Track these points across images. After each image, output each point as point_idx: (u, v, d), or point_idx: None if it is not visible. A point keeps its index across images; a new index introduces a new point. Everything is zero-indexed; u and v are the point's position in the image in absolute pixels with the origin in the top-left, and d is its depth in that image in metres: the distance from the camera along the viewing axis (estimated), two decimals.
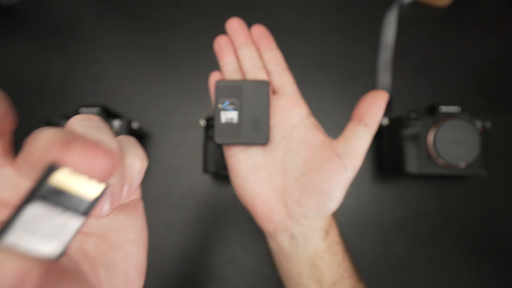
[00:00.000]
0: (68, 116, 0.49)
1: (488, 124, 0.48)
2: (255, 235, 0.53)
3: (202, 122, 0.49)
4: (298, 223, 0.31)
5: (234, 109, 0.31)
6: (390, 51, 0.57)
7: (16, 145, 0.60)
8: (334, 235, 0.33)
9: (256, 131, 0.30)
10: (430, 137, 0.47)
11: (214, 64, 0.57)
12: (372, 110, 0.29)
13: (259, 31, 0.34)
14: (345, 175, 0.30)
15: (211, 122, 0.48)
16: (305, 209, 0.31)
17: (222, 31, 0.58)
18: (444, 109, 0.47)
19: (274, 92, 0.34)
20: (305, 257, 0.32)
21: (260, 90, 0.31)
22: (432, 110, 0.49)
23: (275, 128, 0.33)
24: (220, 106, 0.31)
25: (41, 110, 0.56)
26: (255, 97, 0.30)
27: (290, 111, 0.33)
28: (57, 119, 0.50)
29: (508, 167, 0.54)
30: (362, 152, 0.30)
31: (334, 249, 0.32)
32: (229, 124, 0.31)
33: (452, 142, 0.46)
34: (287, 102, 0.33)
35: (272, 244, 0.34)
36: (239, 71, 0.34)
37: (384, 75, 0.56)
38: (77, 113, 0.49)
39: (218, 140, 0.30)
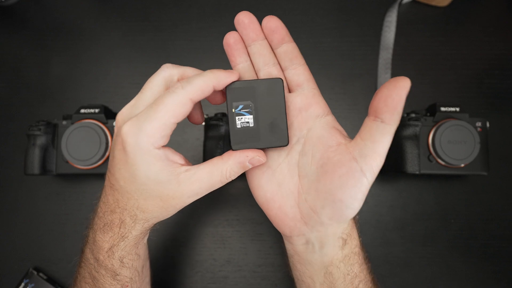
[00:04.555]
0: (68, 116, 0.49)
1: (488, 124, 0.48)
2: (255, 235, 0.53)
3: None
4: (314, 229, 0.30)
5: (249, 113, 0.29)
6: (390, 51, 0.57)
7: (16, 145, 0.60)
8: (353, 245, 0.31)
9: (275, 134, 0.29)
10: (430, 137, 0.47)
11: (214, 64, 0.57)
12: (389, 103, 0.25)
13: (272, 23, 0.31)
14: (363, 180, 0.27)
15: (211, 122, 0.48)
16: (320, 216, 0.29)
17: (222, 31, 0.58)
18: (443, 109, 0.48)
19: (290, 90, 0.32)
20: (320, 263, 0.30)
21: (274, 89, 0.29)
22: (432, 110, 0.49)
23: (290, 129, 0.31)
24: (233, 110, 0.29)
25: (41, 110, 0.56)
26: (269, 97, 0.29)
27: (306, 111, 0.31)
28: (57, 119, 0.50)
29: (507, 167, 0.54)
30: (382, 152, 0.26)
31: (352, 259, 0.31)
32: (245, 129, 0.29)
33: (452, 142, 0.46)
34: (302, 100, 0.31)
35: (288, 246, 0.33)
36: (252, 70, 0.32)
37: (384, 75, 0.56)
38: (77, 113, 0.49)
39: (235, 147, 0.29)
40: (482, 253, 0.52)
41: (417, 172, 0.47)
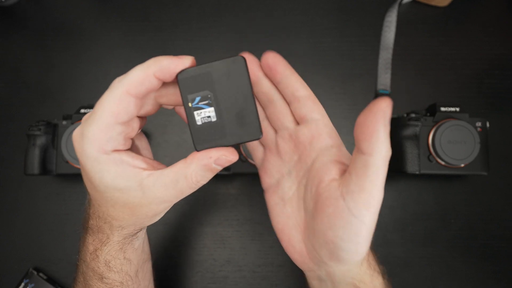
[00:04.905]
0: (68, 116, 0.49)
1: (488, 124, 0.48)
2: (255, 235, 0.53)
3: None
4: (322, 268, 0.28)
5: (209, 105, 0.24)
6: (390, 51, 0.57)
7: (16, 145, 0.60)
8: None
9: (244, 126, 0.24)
10: (430, 137, 0.47)
11: None
12: (365, 131, 0.21)
13: (269, 61, 0.27)
14: (352, 221, 0.24)
15: None
16: (320, 256, 0.27)
17: (222, 31, 0.59)
18: (443, 109, 0.48)
19: (298, 122, 0.28)
20: None
21: (235, 72, 0.24)
22: (432, 110, 0.49)
23: (298, 165, 0.28)
24: (190, 105, 0.24)
25: (41, 110, 0.56)
26: (231, 82, 0.24)
27: (309, 144, 0.28)
28: (57, 119, 0.50)
29: (507, 167, 0.54)
30: (370, 187, 0.23)
31: None
32: (207, 125, 0.24)
33: (452, 142, 0.46)
34: (307, 132, 0.27)
35: (307, 280, 0.32)
36: None
37: (384, 75, 0.56)
38: (77, 113, 0.49)
39: (199, 147, 0.25)
40: (482, 253, 0.52)
41: (417, 172, 0.47)
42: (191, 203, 0.53)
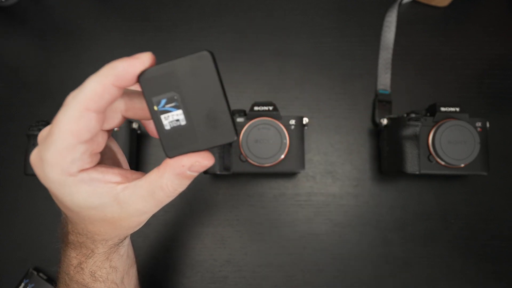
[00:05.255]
0: None
1: (488, 124, 0.48)
2: (255, 235, 0.53)
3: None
4: None
5: (176, 107, 0.22)
6: (390, 51, 0.57)
7: (16, 145, 0.60)
8: None
9: (216, 128, 0.22)
10: (430, 137, 0.47)
11: None
12: None
13: None
14: None
15: None
16: None
17: (222, 31, 0.59)
18: (443, 109, 0.47)
19: None
20: None
21: (201, 68, 0.22)
22: (432, 110, 0.49)
23: None
24: (156, 108, 0.22)
25: (41, 110, 0.56)
26: (198, 80, 0.22)
27: None
28: None
29: (507, 167, 0.54)
30: None
31: None
32: (177, 129, 0.22)
33: (452, 142, 0.46)
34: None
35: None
36: None
37: (384, 75, 0.56)
38: None
39: (170, 153, 0.23)
40: (482, 253, 0.52)
41: (417, 172, 0.47)
42: (191, 203, 0.53)
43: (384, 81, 0.56)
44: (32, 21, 0.60)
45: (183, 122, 0.22)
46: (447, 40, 0.58)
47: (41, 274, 0.50)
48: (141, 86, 0.22)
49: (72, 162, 0.22)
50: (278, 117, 0.48)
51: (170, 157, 0.23)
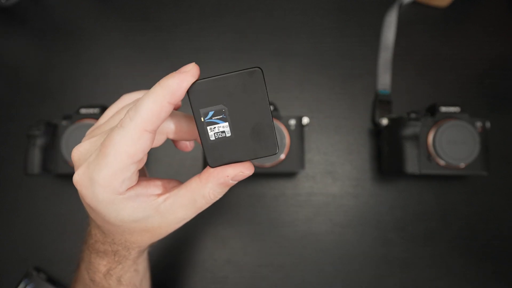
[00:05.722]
0: (68, 116, 0.49)
1: (488, 124, 0.48)
2: (255, 235, 0.53)
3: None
4: None
5: (223, 120, 0.23)
6: (390, 51, 0.57)
7: (16, 145, 0.60)
8: None
9: (260, 141, 0.23)
10: (430, 137, 0.47)
11: (214, 64, 0.57)
12: None
13: None
14: None
15: None
16: None
17: (222, 31, 0.59)
18: (444, 109, 0.47)
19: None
20: None
21: (252, 84, 0.22)
22: (432, 111, 0.49)
23: None
24: (202, 119, 0.23)
25: (41, 110, 0.56)
26: (247, 95, 0.22)
27: None
28: (57, 119, 0.50)
29: (508, 167, 0.54)
30: None
31: None
32: (221, 140, 0.23)
33: (452, 142, 0.46)
34: None
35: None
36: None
37: (384, 75, 0.56)
38: (77, 113, 0.49)
39: (213, 163, 0.24)
40: (482, 253, 0.52)
41: (417, 172, 0.47)
42: None
43: (384, 81, 0.56)
44: (32, 21, 0.60)
45: (228, 134, 0.23)
46: (447, 40, 0.58)
47: (41, 274, 0.50)
48: (190, 98, 0.22)
49: (123, 182, 0.23)
50: (278, 117, 0.48)
51: (212, 167, 0.24)
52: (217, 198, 0.25)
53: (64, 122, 0.49)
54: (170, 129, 0.25)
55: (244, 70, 0.22)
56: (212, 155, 0.24)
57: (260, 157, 0.24)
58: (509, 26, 0.58)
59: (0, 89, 0.58)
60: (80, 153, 0.24)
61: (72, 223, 0.53)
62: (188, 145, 0.30)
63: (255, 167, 0.48)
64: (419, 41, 0.58)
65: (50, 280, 0.51)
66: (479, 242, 0.52)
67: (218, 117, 0.23)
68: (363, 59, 0.57)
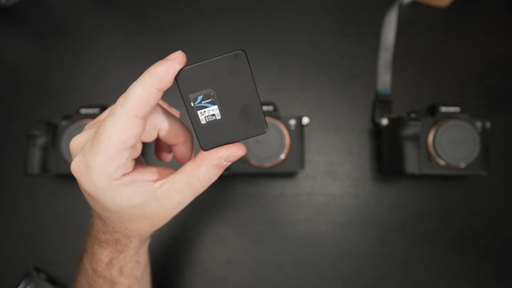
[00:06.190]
0: (68, 116, 0.49)
1: (488, 124, 0.48)
2: (255, 235, 0.53)
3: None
4: None
5: (212, 103, 0.23)
6: (390, 51, 0.57)
7: (16, 145, 0.60)
8: None
9: (249, 121, 0.24)
10: (430, 137, 0.47)
11: None
12: None
13: None
14: None
15: None
16: None
17: (222, 31, 0.59)
18: (444, 109, 0.47)
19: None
20: None
21: (237, 66, 0.23)
22: (432, 111, 0.49)
23: None
24: (192, 104, 0.23)
25: (41, 110, 0.56)
26: (233, 77, 0.23)
27: None
28: (57, 119, 0.50)
29: (508, 167, 0.54)
30: None
31: None
32: (212, 123, 0.24)
33: (452, 142, 0.46)
34: None
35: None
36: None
37: (384, 75, 0.56)
38: (77, 113, 0.49)
39: (205, 147, 0.24)
40: (482, 253, 0.52)
41: (417, 172, 0.47)
42: (191, 203, 0.53)
43: (384, 81, 0.56)
44: (32, 21, 0.60)
45: (218, 117, 0.24)
46: (447, 40, 0.58)
47: (41, 274, 0.50)
48: (178, 85, 0.23)
49: (118, 168, 0.23)
50: (278, 117, 0.48)
51: (205, 150, 0.25)
52: (212, 181, 0.26)
53: (64, 122, 0.49)
54: (163, 125, 0.26)
55: (229, 54, 0.23)
56: (204, 139, 0.24)
57: (251, 137, 0.25)
58: (509, 26, 0.58)
59: (0, 89, 0.58)
60: (78, 142, 0.25)
61: (72, 223, 0.53)
62: (168, 156, 0.31)
63: (255, 167, 0.48)
64: (419, 41, 0.58)
65: (50, 280, 0.51)
66: (479, 242, 0.52)
67: (207, 101, 0.23)
68: (363, 59, 0.57)
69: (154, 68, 0.22)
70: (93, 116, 0.48)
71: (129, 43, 0.58)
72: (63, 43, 0.59)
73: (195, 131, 0.24)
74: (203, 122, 0.24)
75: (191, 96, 0.23)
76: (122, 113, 0.22)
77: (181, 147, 0.28)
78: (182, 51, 0.24)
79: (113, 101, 0.29)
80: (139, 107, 0.22)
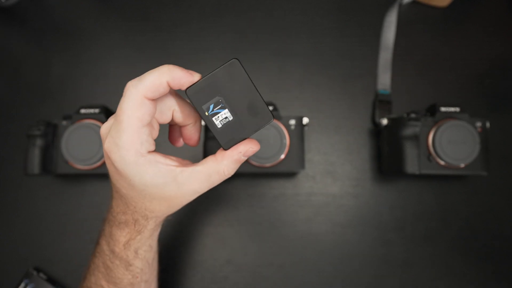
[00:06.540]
0: (68, 116, 0.49)
1: (488, 124, 0.48)
2: (255, 235, 0.53)
3: (202, 122, 0.49)
4: None
5: (223, 108, 0.27)
6: (390, 51, 0.57)
7: (16, 145, 0.60)
8: None
9: (257, 115, 0.28)
10: (430, 137, 0.47)
11: (214, 64, 0.57)
12: None
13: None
14: None
15: None
16: None
17: (222, 31, 0.59)
18: (444, 109, 0.48)
19: None
20: None
21: (235, 73, 0.27)
22: (432, 111, 0.49)
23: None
24: (206, 113, 0.27)
25: (41, 110, 0.56)
26: (234, 81, 0.27)
27: None
28: (57, 119, 0.50)
29: (508, 167, 0.54)
30: None
31: None
32: (227, 125, 0.28)
33: (452, 142, 0.46)
34: None
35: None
36: None
37: (384, 75, 0.56)
38: (77, 113, 0.49)
39: (226, 146, 0.28)
40: (482, 253, 0.52)
41: (417, 172, 0.47)
42: (191, 203, 0.53)
43: (384, 81, 0.56)
44: (32, 21, 0.60)
45: (230, 118, 0.28)
46: (447, 40, 0.58)
47: (41, 274, 0.50)
48: (190, 99, 0.27)
49: (142, 144, 0.27)
50: (278, 117, 0.48)
51: (226, 149, 0.29)
52: (230, 175, 0.29)
53: (64, 122, 0.49)
54: (176, 106, 0.29)
55: (225, 64, 0.27)
56: (223, 140, 0.28)
57: (262, 127, 0.29)
58: (509, 26, 0.58)
59: (0, 89, 0.58)
60: (105, 128, 0.29)
61: (72, 223, 0.53)
62: (180, 141, 0.34)
63: (256, 167, 0.48)
64: (419, 41, 0.58)
65: (50, 280, 0.51)
66: (479, 242, 0.52)
67: (218, 107, 0.27)
68: (363, 59, 0.57)
69: (174, 67, 0.26)
70: (93, 116, 0.48)
71: (129, 43, 0.58)
72: (63, 43, 0.59)
73: (214, 135, 0.28)
74: (219, 126, 0.28)
75: (204, 106, 0.27)
76: (134, 93, 0.25)
77: (191, 128, 0.31)
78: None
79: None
80: (149, 90, 0.25)
